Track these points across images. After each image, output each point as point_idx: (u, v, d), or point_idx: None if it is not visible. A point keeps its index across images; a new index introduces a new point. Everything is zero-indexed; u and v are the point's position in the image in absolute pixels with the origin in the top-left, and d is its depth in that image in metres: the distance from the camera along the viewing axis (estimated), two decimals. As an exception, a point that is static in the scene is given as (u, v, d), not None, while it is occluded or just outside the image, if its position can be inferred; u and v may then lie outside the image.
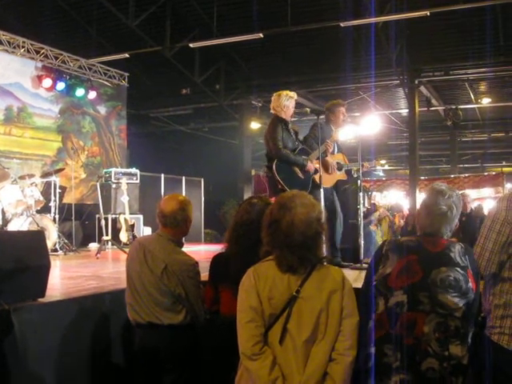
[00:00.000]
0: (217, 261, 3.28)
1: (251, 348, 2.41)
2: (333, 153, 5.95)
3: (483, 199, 18.04)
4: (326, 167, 5.75)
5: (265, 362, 2.39)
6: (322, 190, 5.27)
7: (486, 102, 18.66)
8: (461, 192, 13.52)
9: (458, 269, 2.55)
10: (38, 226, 8.31)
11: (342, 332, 2.45)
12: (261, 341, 2.42)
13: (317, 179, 5.48)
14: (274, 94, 5.83)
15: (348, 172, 6.14)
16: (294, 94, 5.78)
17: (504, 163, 27.19)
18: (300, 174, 5.56)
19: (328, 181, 5.76)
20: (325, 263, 2.58)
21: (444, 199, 2.68)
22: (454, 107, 18.59)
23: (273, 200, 3.68)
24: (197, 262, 3.53)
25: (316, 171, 5.55)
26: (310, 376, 2.38)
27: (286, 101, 5.69)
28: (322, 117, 5.89)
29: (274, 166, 5.47)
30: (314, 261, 2.50)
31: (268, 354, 2.41)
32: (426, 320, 2.51)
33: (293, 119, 5.90)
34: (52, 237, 8.76)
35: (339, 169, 5.96)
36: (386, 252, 2.72)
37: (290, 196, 2.58)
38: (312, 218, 2.48)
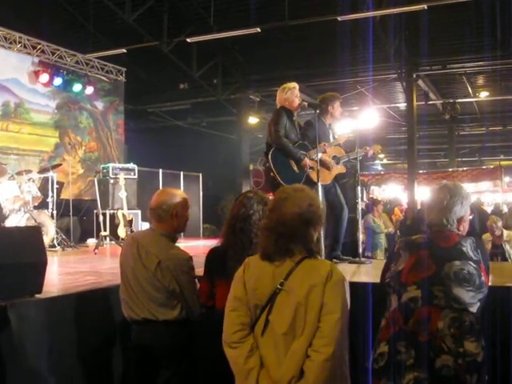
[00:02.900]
0: (213, 255, 3.25)
1: (231, 336, 2.45)
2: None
3: (481, 193, 18.09)
4: (324, 166, 5.72)
5: (242, 351, 2.41)
6: (319, 187, 5.22)
7: (483, 95, 18.70)
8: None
9: (471, 262, 2.53)
10: (36, 221, 8.31)
11: (320, 328, 2.34)
12: (242, 330, 2.44)
13: (313, 176, 5.40)
14: (278, 90, 5.84)
15: (346, 164, 6.09)
16: (292, 85, 5.76)
17: (502, 157, 27.22)
18: (295, 168, 5.51)
19: (327, 177, 5.73)
20: (318, 257, 2.54)
21: (441, 189, 2.74)
22: (451, 101, 18.65)
23: (270, 194, 3.69)
24: (191, 257, 3.49)
25: (311, 169, 5.50)
26: (286, 371, 2.35)
27: (285, 93, 5.70)
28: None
29: (270, 153, 5.45)
30: (303, 253, 2.46)
31: (247, 344, 2.42)
32: (440, 315, 2.47)
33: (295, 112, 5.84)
34: (50, 233, 8.77)
35: (337, 162, 5.92)
36: (397, 250, 2.73)
37: (288, 189, 2.58)
38: (304, 211, 2.45)
